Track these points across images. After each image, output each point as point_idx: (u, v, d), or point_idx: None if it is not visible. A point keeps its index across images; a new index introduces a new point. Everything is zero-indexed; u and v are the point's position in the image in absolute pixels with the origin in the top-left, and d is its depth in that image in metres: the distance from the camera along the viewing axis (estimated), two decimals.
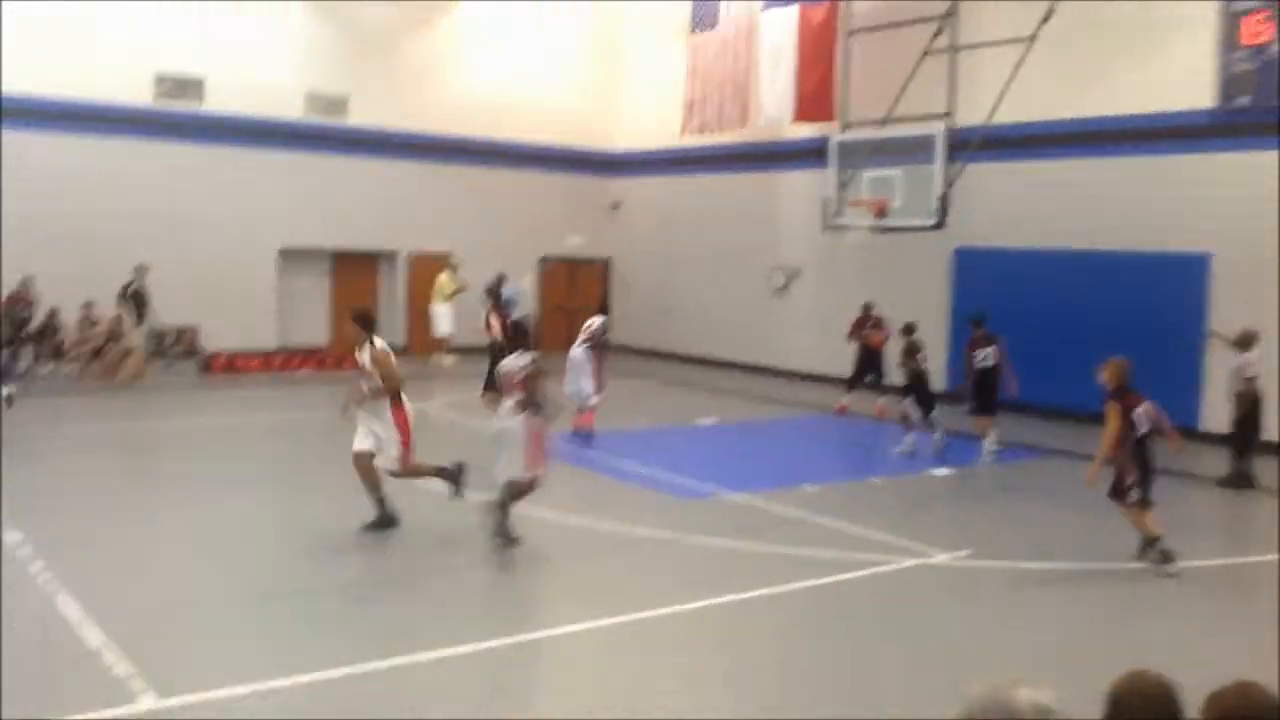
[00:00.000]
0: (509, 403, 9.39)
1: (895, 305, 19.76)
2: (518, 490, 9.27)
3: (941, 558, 9.38)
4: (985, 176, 17.70)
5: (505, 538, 9.14)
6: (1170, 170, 16.14)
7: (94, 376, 18.07)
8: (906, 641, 7.45)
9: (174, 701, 5.86)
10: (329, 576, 8.45)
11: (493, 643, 7.02)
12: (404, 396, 9.68)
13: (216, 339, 20.40)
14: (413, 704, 6.04)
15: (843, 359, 20.56)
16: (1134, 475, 9.17)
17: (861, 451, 15.01)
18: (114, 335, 18.33)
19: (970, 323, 15.38)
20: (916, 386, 14.52)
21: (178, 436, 14.46)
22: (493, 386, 11.83)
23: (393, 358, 9.77)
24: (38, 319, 18.04)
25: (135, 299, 18.23)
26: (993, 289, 18.17)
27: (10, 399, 13.89)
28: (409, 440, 9.55)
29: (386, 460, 9.53)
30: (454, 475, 9.93)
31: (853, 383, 17.64)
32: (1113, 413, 9.21)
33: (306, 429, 15.02)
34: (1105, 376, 9.39)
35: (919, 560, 9.27)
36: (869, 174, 17.95)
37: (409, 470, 9.69)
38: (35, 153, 18.97)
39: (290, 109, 21.91)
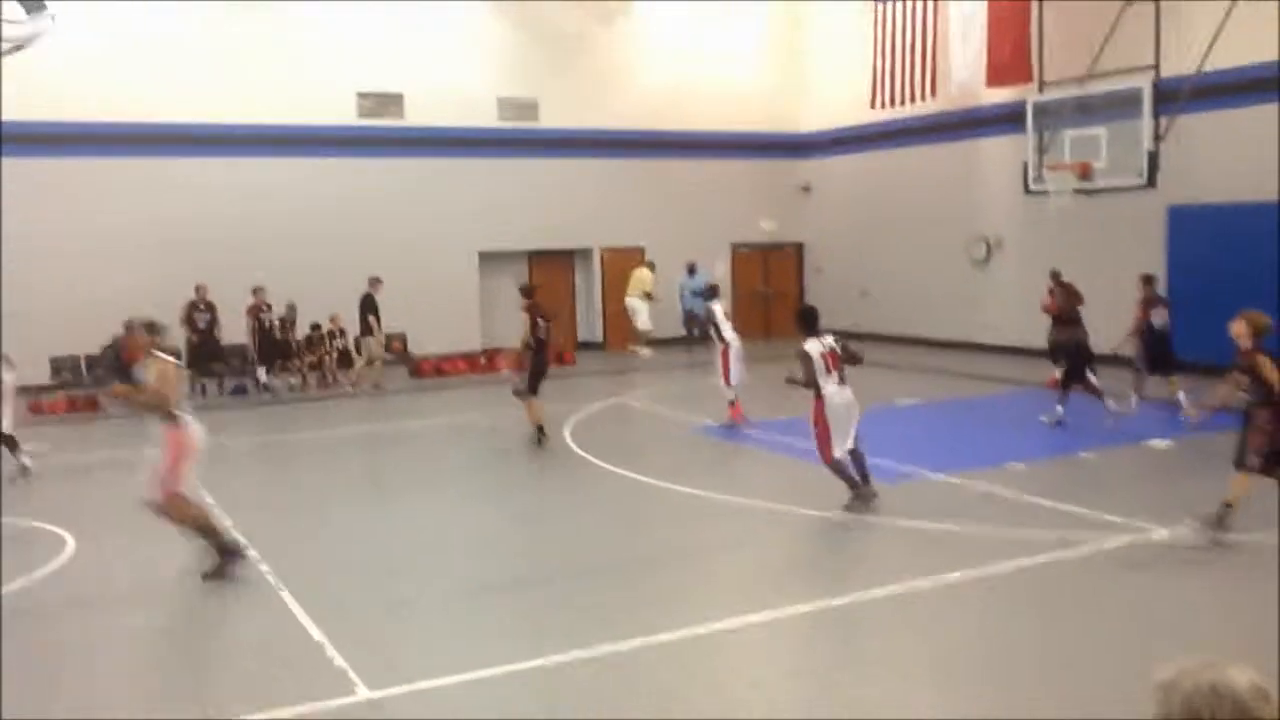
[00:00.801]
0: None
1: (1104, 271, 18.81)
2: None
3: (1162, 534, 8.86)
4: (1198, 128, 16.63)
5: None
6: None
7: (332, 384, 19.22)
8: (1127, 624, 7.07)
9: (386, 693, 6.13)
10: (538, 568, 8.66)
11: (696, 630, 7.05)
12: (182, 417, 8.36)
13: (424, 343, 21.26)
14: (616, 692, 6.13)
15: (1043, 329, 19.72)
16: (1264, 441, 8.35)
17: (1070, 426, 14.30)
18: (356, 345, 19.39)
19: (1141, 281, 14.54)
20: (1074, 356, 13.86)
21: (393, 439, 15.14)
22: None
23: (175, 373, 8.60)
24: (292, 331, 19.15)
25: (370, 308, 19.14)
26: (1211, 249, 17.07)
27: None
28: (176, 469, 8.31)
29: (148, 488, 8.30)
30: (228, 555, 8.49)
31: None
32: (1266, 364, 8.41)
33: (513, 426, 15.46)
34: (1243, 330, 8.75)
35: (1137, 536, 8.79)
36: (1071, 134, 17.16)
37: (170, 506, 8.31)
38: (245, 176, 20.26)
39: (484, 116, 22.60)
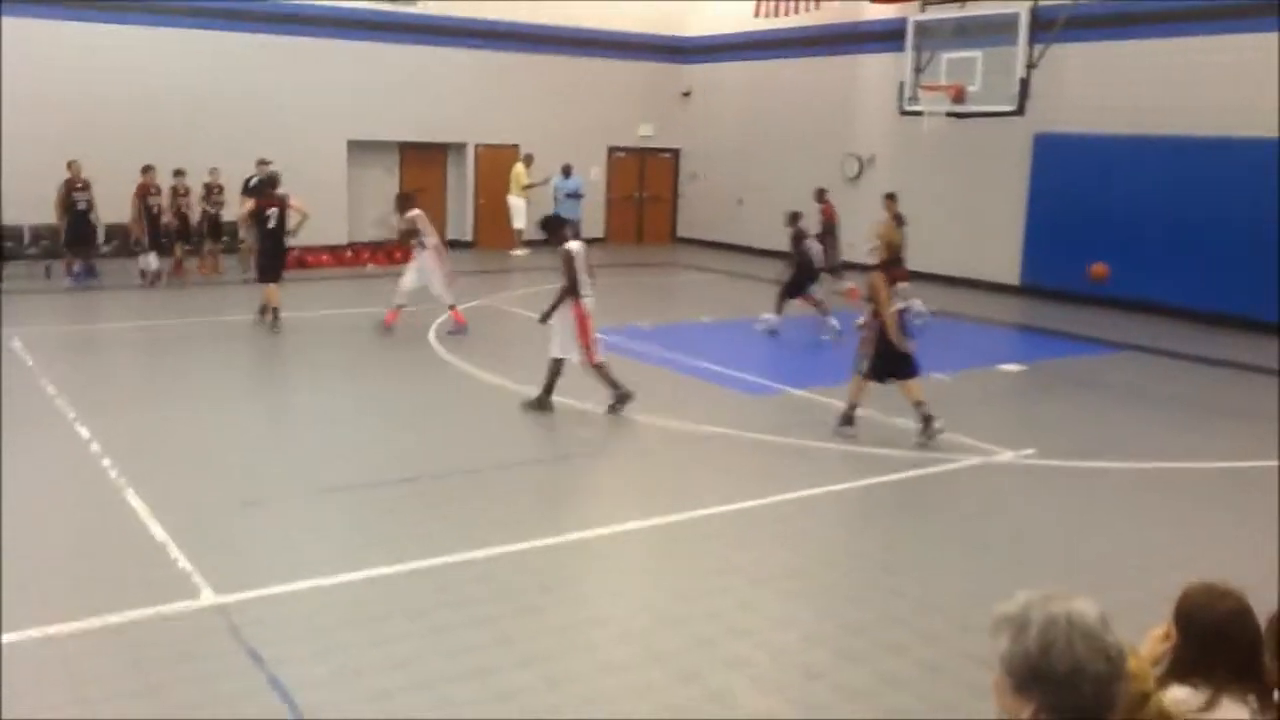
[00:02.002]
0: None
1: (972, 192, 19.29)
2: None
3: (1006, 455, 9.21)
4: (1070, 58, 16.98)
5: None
6: (1270, 48, 15.24)
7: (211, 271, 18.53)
8: (968, 542, 7.33)
9: (233, 598, 5.98)
10: (389, 471, 8.53)
11: (549, 540, 7.06)
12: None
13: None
14: (463, 599, 6.10)
15: (913, 251, 20.14)
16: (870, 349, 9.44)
17: (926, 346, 14.66)
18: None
19: (885, 199, 16.28)
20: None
21: (245, 332, 14.65)
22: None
23: None
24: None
25: (257, 192, 18.19)
26: (1074, 176, 17.60)
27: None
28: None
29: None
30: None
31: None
32: (878, 283, 9.28)
33: (371, 324, 15.13)
34: (876, 244, 9.74)
35: (984, 459, 9.11)
36: (948, 56, 17.30)
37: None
38: (102, 42, 19.11)
39: None
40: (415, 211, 14.09)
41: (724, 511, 7.71)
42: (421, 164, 23.60)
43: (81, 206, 17.39)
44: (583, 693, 5.09)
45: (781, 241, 17.43)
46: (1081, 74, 17.30)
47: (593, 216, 24.66)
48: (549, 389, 10.17)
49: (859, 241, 15.95)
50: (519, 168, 22.84)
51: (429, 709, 4.88)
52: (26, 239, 18.28)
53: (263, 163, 17.97)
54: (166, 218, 18.00)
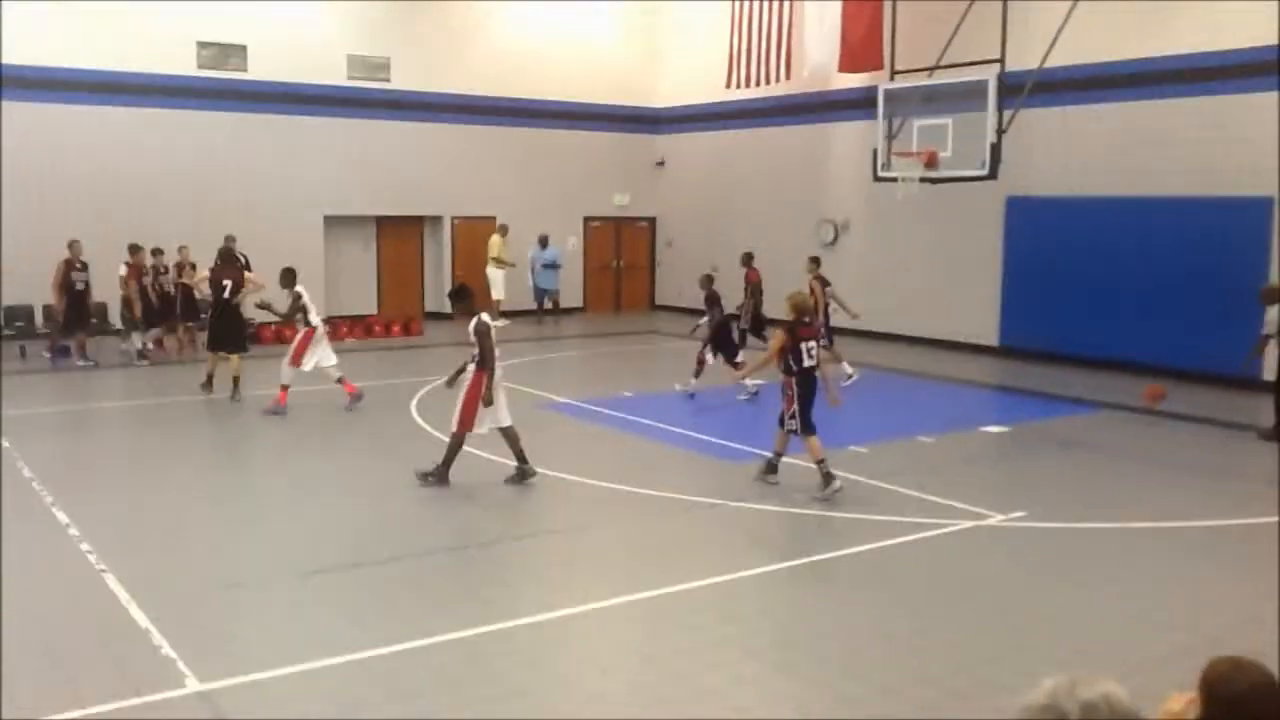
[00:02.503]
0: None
1: (948, 255, 19.48)
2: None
3: (996, 519, 9.18)
4: (1038, 123, 17.28)
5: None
6: (1231, 111, 15.57)
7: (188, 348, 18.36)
8: (962, 609, 7.27)
9: (218, 685, 5.85)
10: (370, 550, 8.41)
11: (535, 617, 6.95)
12: None
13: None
14: (451, 680, 5.98)
15: (891, 315, 20.29)
16: (789, 404, 10.03)
17: (910, 409, 14.74)
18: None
19: (809, 261, 16.72)
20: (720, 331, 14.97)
21: (224, 410, 14.52)
22: None
23: None
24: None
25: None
26: (1046, 238, 17.82)
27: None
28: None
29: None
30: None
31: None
32: (776, 338, 10.15)
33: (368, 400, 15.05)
34: (787, 307, 10.34)
35: (974, 523, 9.08)
36: (919, 123, 17.52)
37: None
38: (80, 124, 19.15)
39: (333, 74, 21.86)
40: (299, 288, 13.94)
41: (712, 584, 7.62)
42: (398, 237, 23.67)
43: (80, 286, 17.17)
44: None
45: (763, 308, 17.58)
46: (1050, 137, 17.59)
47: (571, 286, 24.76)
48: (521, 456, 10.20)
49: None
50: (495, 239, 22.93)
51: None
52: (0, 320, 18.14)
53: (229, 239, 17.96)
54: (149, 296, 17.87)
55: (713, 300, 15.06)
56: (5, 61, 18.43)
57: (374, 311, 22.85)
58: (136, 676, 5.94)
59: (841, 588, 7.75)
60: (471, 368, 10.06)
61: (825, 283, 16.12)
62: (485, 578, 7.89)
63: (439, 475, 10.08)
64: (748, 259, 18.00)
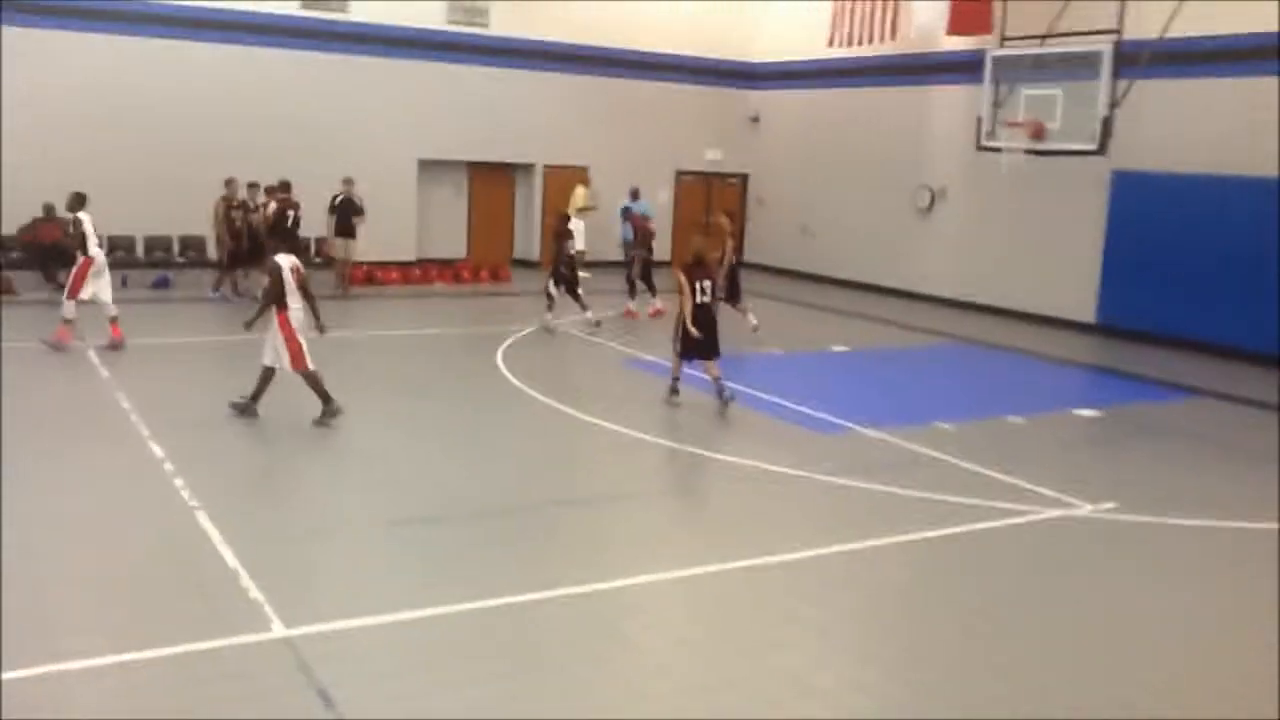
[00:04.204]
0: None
1: (1047, 228, 18.95)
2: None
3: (1085, 509, 8.96)
4: (1153, 95, 16.62)
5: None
6: None
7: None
8: (1046, 603, 7.11)
9: (300, 631, 5.95)
10: (455, 505, 8.50)
11: (614, 582, 6.97)
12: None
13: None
14: (530, 643, 6.03)
15: (985, 286, 19.87)
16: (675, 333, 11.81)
17: (1000, 386, 14.44)
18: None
19: (726, 216, 17.41)
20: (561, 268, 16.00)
21: (322, 351, 14.72)
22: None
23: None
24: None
25: (341, 210, 18.66)
26: (1153, 215, 17.22)
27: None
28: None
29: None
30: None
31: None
32: (678, 280, 11.56)
33: (441, 344, 15.19)
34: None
35: (1063, 511, 8.87)
36: (1027, 91, 17.04)
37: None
38: (180, 58, 19.42)
39: (432, 18, 21.86)
40: (82, 213, 13.26)
41: (794, 559, 7.55)
42: (490, 184, 23.73)
43: (238, 224, 17.47)
44: None
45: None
46: (1165, 111, 16.91)
47: (659, 240, 24.58)
48: (256, 396, 10.44)
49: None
50: (579, 190, 22.86)
51: None
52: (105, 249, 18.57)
53: (347, 181, 18.35)
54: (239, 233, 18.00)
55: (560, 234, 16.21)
56: None
57: (463, 257, 22.98)
58: (224, 617, 6.07)
59: (923, 572, 7.63)
60: (275, 310, 10.36)
61: (726, 231, 16.63)
62: (564, 540, 7.92)
63: (328, 411, 10.38)
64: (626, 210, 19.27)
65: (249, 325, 10.67)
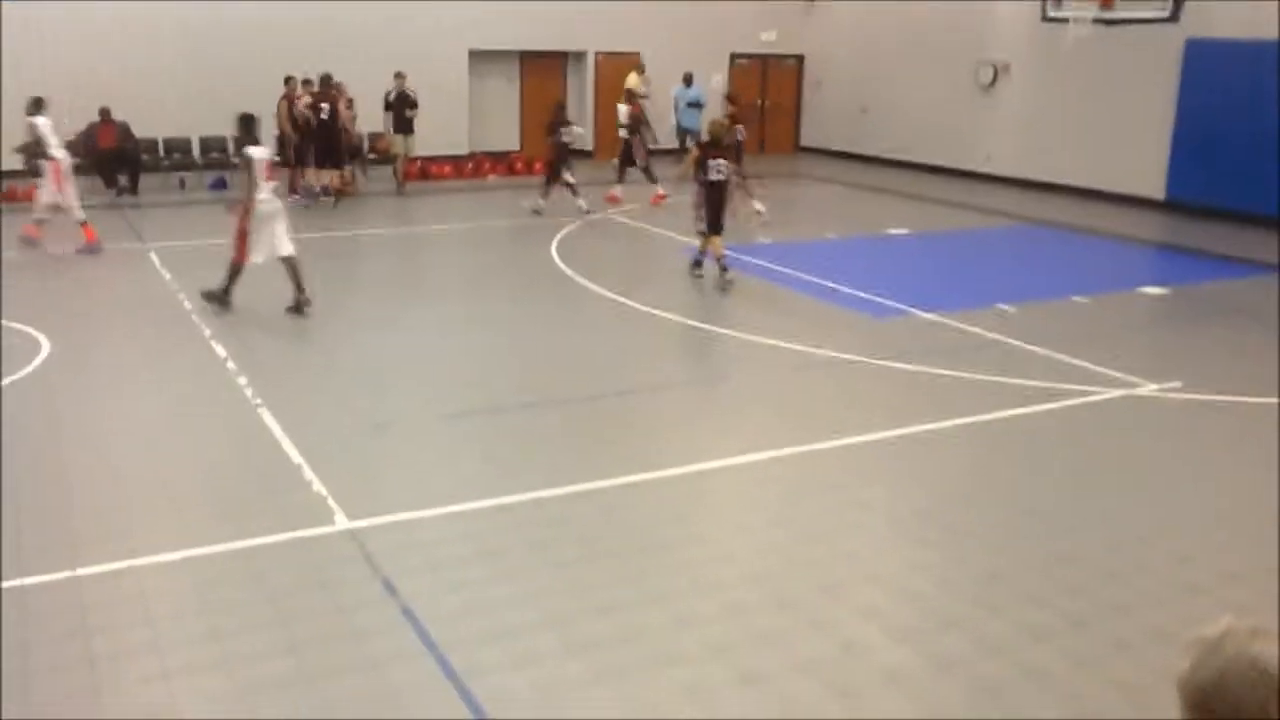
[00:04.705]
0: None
1: (1115, 101, 18.31)
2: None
3: (1150, 388, 8.80)
4: None
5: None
6: None
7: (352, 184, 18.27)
8: (1109, 485, 7.03)
9: (365, 523, 6.07)
10: (512, 395, 8.56)
11: (673, 470, 6.99)
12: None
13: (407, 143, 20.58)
14: (588, 533, 6.09)
15: (1051, 163, 19.33)
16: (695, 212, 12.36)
17: (1065, 266, 14.12)
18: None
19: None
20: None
21: (372, 246, 14.82)
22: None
23: None
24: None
25: (397, 105, 18.54)
26: (1227, 85, 16.53)
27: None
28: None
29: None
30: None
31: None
32: (691, 154, 12.35)
33: (496, 238, 15.17)
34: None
35: (1125, 391, 8.71)
36: None
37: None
38: None
39: None
40: (40, 118, 12.95)
41: (854, 443, 7.53)
42: (541, 73, 23.39)
43: (325, 116, 17.04)
44: (711, 637, 5.03)
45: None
46: None
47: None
48: (299, 286, 10.59)
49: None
50: (633, 76, 22.41)
51: (558, 648, 4.88)
52: (161, 151, 18.72)
53: (399, 76, 18.22)
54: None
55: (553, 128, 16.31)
56: None
57: (517, 149, 22.80)
58: (289, 512, 6.21)
59: (988, 454, 7.56)
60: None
61: (737, 120, 16.56)
62: (623, 428, 7.96)
63: (220, 298, 10.53)
64: (629, 95, 18.51)
65: (228, 209, 10.87)
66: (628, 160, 17.78)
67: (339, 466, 6.89)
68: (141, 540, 5.84)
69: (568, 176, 16.18)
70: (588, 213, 16.10)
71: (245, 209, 10.37)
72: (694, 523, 6.42)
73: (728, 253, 12.17)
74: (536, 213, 16.07)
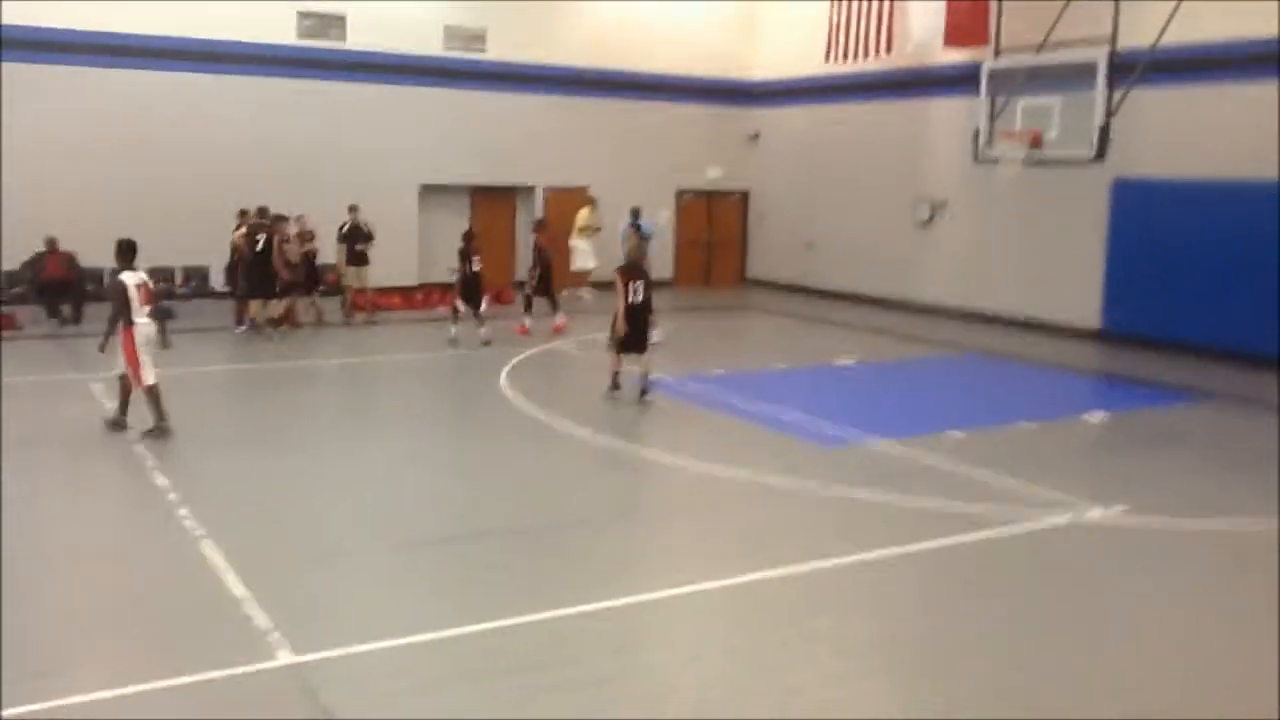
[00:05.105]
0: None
1: (1049, 236, 18.95)
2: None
3: (1097, 512, 8.88)
4: (1150, 104, 16.61)
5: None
6: None
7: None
8: (1058, 610, 7.04)
9: (308, 658, 5.89)
10: (460, 525, 8.45)
11: (620, 600, 6.89)
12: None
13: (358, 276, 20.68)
14: (537, 664, 5.95)
15: (989, 296, 19.84)
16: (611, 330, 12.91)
17: (1009, 393, 14.38)
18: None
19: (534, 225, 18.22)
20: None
21: (319, 376, 14.73)
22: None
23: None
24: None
25: (349, 238, 18.70)
26: (1155, 221, 17.20)
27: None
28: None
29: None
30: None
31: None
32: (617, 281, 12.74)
33: (444, 368, 15.17)
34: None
35: (1072, 516, 8.79)
36: (1024, 102, 16.99)
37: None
38: (179, 91, 19.50)
39: (429, 44, 21.95)
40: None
41: (801, 572, 7.49)
42: (492, 206, 23.75)
43: (259, 249, 16.97)
44: None
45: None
46: (1163, 118, 16.91)
47: (662, 258, 24.59)
48: (123, 408, 10.73)
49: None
50: (584, 211, 22.83)
51: None
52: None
53: (353, 209, 18.48)
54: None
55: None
56: (103, 29, 18.85)
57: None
58: (230, 647, 6.01)
59: (937, 582, 7.56)
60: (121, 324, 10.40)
61: (646, 237, 17.04)
62: (572, 559, 7.86)
63: (160, 428, 10.55)
64: (539, 224, 18.95)
65: (101, 348, 10.62)
66: (542, 290, 17.99)
67: (281, 599, 6.71)
68: (73, 679, 5.61)
69: (474, 307, 16.44)
70: (486, 343, 16.12)
71: (129, 334, 10.34)
72: (641, 654, 6.31)
73: (663, 379, 12.29)
74: (453, 343, 16.22)
